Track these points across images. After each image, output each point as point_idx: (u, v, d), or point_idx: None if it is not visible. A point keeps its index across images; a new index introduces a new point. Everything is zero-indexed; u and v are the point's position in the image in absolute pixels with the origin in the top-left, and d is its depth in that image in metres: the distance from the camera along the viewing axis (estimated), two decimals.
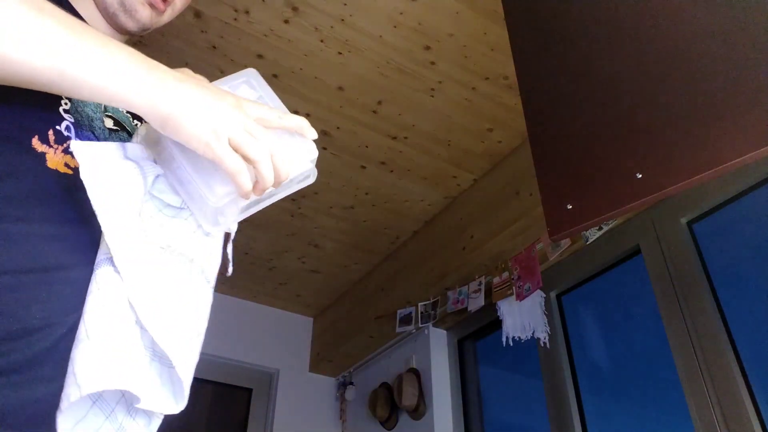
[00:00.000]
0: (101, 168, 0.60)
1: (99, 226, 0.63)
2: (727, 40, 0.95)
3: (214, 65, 2.20)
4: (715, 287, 1.72)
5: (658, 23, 1.06)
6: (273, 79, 2.25)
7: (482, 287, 2.42)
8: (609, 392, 2.06)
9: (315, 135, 0.71)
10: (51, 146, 0.64)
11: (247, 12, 2.02)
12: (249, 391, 3.42)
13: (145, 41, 2.07)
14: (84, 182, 0.59)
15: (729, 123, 0.90)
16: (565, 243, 2.11)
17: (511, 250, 2.36)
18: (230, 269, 0.68)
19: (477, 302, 2.42)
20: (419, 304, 2.79)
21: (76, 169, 0.65)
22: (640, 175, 1.00)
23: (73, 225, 0.64)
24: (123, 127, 0.79)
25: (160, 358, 0.61)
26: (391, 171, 2.70)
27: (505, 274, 2.33)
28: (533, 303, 2.17)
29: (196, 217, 0.67)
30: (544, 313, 2.15)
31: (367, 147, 2.57)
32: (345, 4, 1.99)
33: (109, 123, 0.77)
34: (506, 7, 1.44)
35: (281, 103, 0.73)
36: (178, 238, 0.65)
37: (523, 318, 2.20)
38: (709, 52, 0.97)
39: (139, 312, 0.58)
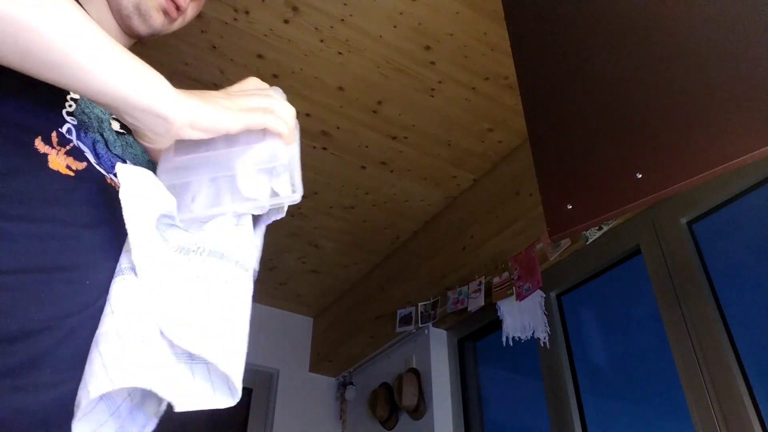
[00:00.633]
0: (139, 188, 0.61)
1: (100, 229, 0.63)
2: (727, 39, 0.95)
3: (214, 65, 2.20)
4: (715, 287, 1.72)
5: (658, 23, 1.06)
6: (273, 79, 2.25)
7: (482, 287, 2.42)
8: (609, 392, 2.06)
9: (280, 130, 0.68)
10: (54, 147, 0.64)
11: (247, 12, 2.02)
12: (249, 390, 3.42)
13: (145, 40, 2.07)
14: (121, 201, 0.59)
15: (729, 123, 0.90)
16: (565, 243, 2.11)
17: (511, 250, 2.36)
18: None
19: (477, 302, 2.42)
20: (419, 304, 2.79)
21: (77, 171, 0.65)
22: (640, 175, 1.00)
23: (73, 227, 0.63)
24: (129, 131, 0.79)
25: (191, 356, 0.61)
26: (391, 171, 2.70)
27: (505, 274, 2.33)
28: (533, 303, 2.17)
29: (230, 198, 0.66)
30: (544, 313, 2.15)
31: (367, 147, 2.57)
32: (345, 4, 1.99)
33: (116, 126, 0.76)
34: (506, 7, 1.44)
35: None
36: (207, 237, 0.65)
37: (523, 318, 2.20)
38: (710, 51, 0.97)
39: (161, 322, 0.59)
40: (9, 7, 0.52)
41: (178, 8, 0.83)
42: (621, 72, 1.10)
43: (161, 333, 0.59)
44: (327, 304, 3.67)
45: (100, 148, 0.72)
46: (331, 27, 2.07)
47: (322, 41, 2.12)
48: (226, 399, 0.62)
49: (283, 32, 2.09)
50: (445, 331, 2.82)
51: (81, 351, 0.59)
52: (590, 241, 2.04)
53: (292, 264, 3.28)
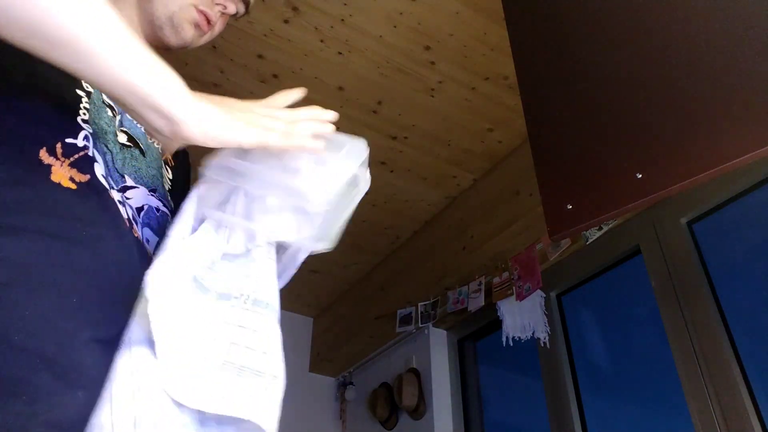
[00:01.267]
0: (167, 298, 0.60)
1: (94, 247, 0.62)
2: (727, 39, 0.95)
3: (214, 65, 2.20)
4: (715, 287, 1.72)
5: (658, 24, 1.06)
6: (273, 79, 2.25)
7: (482, 287, 2.42)
8: (609, 392, 2.06)
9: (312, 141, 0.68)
10: (58, 159, 0.63)
11: None
12: None
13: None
14: (150, 317, 0.58)
15: (729, 123, 0.90)
16: (565, 243, 2.11)
17: (511, 250, 2.36)
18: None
19: (477, 302, 2.42)
20: (419, 304, 2.79)
21: (80, 184, 0.64)
22: (640, 175, 1.00)
23: (65, 242, 0.61)
24: (136, 143, 0.78)
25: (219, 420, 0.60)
26: (391, 171, 2.70)
27: (505, 274, 2.33)
28: (533, 303, 2.17)
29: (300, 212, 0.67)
30: (544, 313, 2.15)
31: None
32: (345, 4, 1.99)
33: (122, 138, 0.76)
34: (506, 7, 1.44)
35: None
36: (249, 282, 0.66)
37: (523, 318, 2.20)
38: (710, 51, 0.97)
39: (174, 395, 0.57)
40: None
41: (209, 22, 0.85)
42: (621, 72, 1.10)
43: (178, 410, 0.57)
44: (327, 304, 3.67)
45: (109, 159, 0.72)
46: (331, 27, 2.07)
47: (322, 41, 2.12)
48: None
49: (283, 32, 2.09)
50: (445, 331, 2.82)
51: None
52: (590, 241, 2.04)
53: None
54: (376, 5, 2.00)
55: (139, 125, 0.81)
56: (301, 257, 0.75)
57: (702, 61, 0.97)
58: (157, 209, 0.78)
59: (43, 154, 0.62)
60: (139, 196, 0.75)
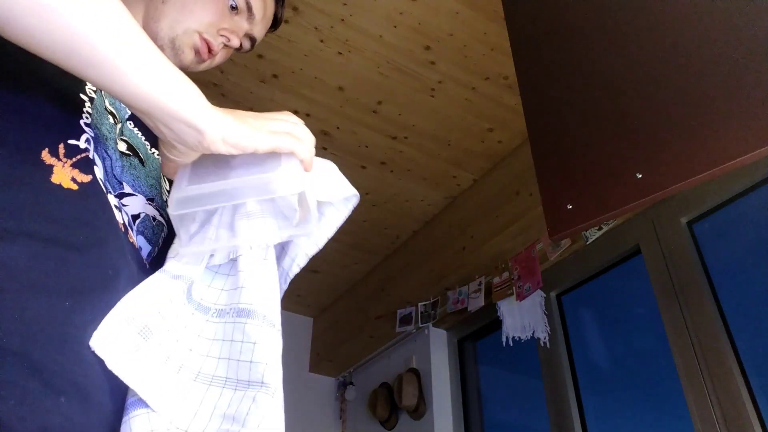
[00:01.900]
0: (123, 354, 0.60)
1: (91, 250, 0.62)
2: (727, 39, 0.95)
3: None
4: (715, 287, 1.72)
5: (658, 23, 1.06)
6: (273, 79, 2.25)
7: (482, 287, 2.43)
8: (609, 392, 2.06)
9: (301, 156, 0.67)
10: (60, 159, 0.63)
11: None
12: None
13: None
14: (116, 373, 0.59)
15: (729, 123, 0.90)
16: (565, 243, 2.11)
17: (511, 250, 2.36)
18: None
19: (477, 302, 2.42)
20: (419, 304, 2.79)
21: (81, 185, 0.64)
22: (640, 175, 1.00)
23: (62, 247, 0.60)
24: (136, 152, 0.78)
25: None
26: (391, 171, 2.70)
27: (505, 274, 2.33)
28: (533, 303, 2.17)
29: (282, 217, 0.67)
30: (544, 313, 2.15)
31: (367, 147, 2.57)
32: (345, 4, 1.99)
33: (122, 147, 0.76)
34: (506, 7, 1.44)
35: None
36: (237, 291, 0.66)
37: (523, 318, 2.20)
38: (710, 51, 0.97)
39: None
40: (56, 2, 0.52)
41: (210, 51, 0.86)
42: (621, 72, 1.10)
43: None
44: (327, 304, 3.67)
45: (108, 165, 0.72)
46: (331, 27, 2.07)
47: (322, 41, 2.12)
48: None
49: (283, 32, 2.09)
50: (445, 331, 2.82)
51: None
52: (590, 241, 2.04)
53: None
54: (376, 5, 2.00)
55: (140, 135, 0.81)
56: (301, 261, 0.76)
57: (702, 61, 0.97)
58: (154, 218, 0.78)
59: (45, 155, 0.62)
60: (136, 204, 0.75)
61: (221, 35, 0.87)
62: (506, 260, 2.36)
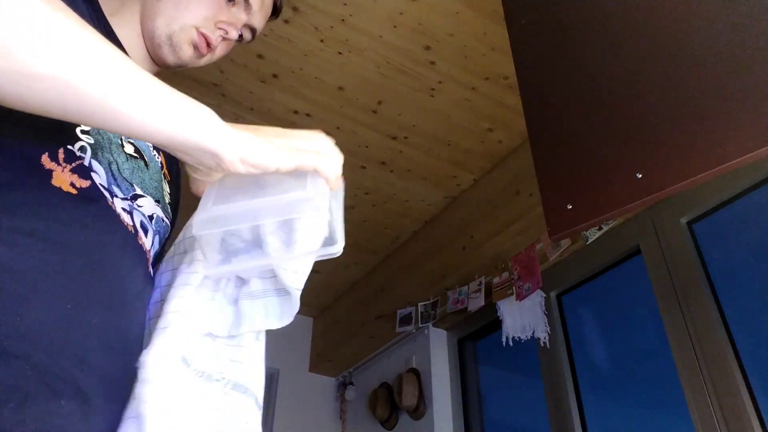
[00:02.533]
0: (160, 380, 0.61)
1: (91, 254, 0.61)
2: (727, 40, 0.95)
3: (214, 65, 2.20)
4: (715, 287, 1.72)
5: (658, 23, 1.06)
6: (273, 79, 2.25)
7: (482, 287, 2.43)
8: (609, 392, 2.06)
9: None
10: (60, 164, 0.63)
11: None
12: None
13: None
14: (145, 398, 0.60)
15: (729, 123, 0.90)
16: (565, 243, 2.11)
17: (511, 250, 2.36)
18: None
19: (477, 302, 2.42)
20: (419, 304, 2.79)
21: (81, 189, 0.64)
22: (640, 175, 1.00)
23: (63, 248, 0.60)
24: (142, 155, 0.78)
25: None
26: (391, 171, 2.70)
27: (505, 274, 2.33)
28: (533, 303, 2.17)
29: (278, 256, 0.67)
30: (544, 313, 2.15)
31: (367, 147, 2.57)
32: (345, 4, 1.99)
33: (129, 149, 0.75)
34: (506, 7, 1.44)
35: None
36: (230, 365, 0.67)
37: (523, 318, 2.20)
38: (710, 51, 0.97)
39: None
40: (52, 68, 0.50)
41: (208, 45, 0.86)
42: (621, 72, 1.10)
43: None
44: (327, 304, 3.67)
45: (114, 169, 0.71)
46: (331, 27, 2.07)
47: (322, 41, 2.12)
48: None
49: (283, 32, 2.09)
50: (445, 331, 2.82)
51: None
52: (590, 241, 2.04)
53: None
54: (376, 5, 2.00)
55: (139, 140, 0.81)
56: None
57: (702, 61, 0.97)
58: (162, 219, 0.78)
59: (45, 160, 0.62)
60: (148, 205, 0.75)
61: (219, 28, 0.86)
62: (506, 260, 2.36)
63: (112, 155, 0.72)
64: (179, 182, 0.94)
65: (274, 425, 3.28)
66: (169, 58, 0.85)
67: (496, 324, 2.32)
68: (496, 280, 2.37)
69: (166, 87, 0.57)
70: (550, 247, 2.16)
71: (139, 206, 0.72)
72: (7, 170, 0.59)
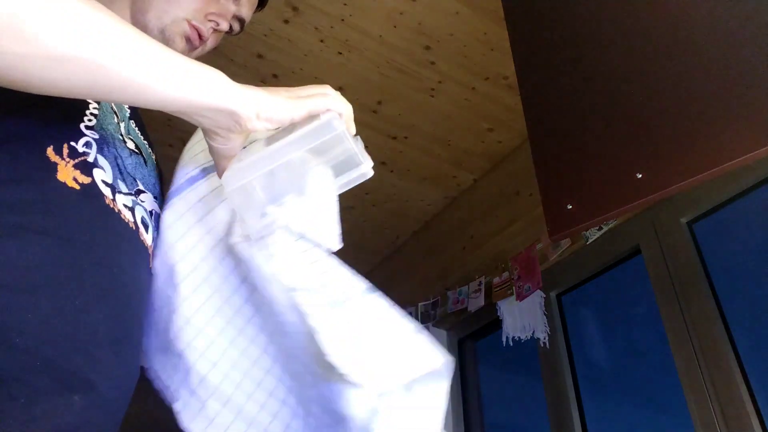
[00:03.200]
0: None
1: (95, 250, 0.61)
2: (727, 40, 0.95)
3: (213, 65, 2.20)
4: (715, 287, 1.72)
5: (658, 23, 1.06)
6: (273, 79, 2.25)
7: (482, 287, 2.42)
8: (609, 392, 2.06)
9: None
10: (63, 159, 0.63)
11: None
12: None
13: None
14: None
15: (729, 123, 0.90)
16: (565, 243, 2.11)
17: (511, 250, 2.36)
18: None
19: (477, 302, 2.42)
20: (419, 304, 2.79)
21: (83, 185, 0.64)
22: (640, 175, 1.00)
23: (69, 243, 0.60)
24: (140, 151, 0.79)
25: None
26: (391, 171, 2.70)
27: (505, 274, 2.33)
28: (533, 303, 2.17)
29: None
30: (544, 313, 2.14)
31: (367, 147, 2.55)
32: (345, 4, 1.99)
33: (130, 145, 0.76)
34: (506, 7, 1.44)
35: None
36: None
37: (523, 318, 2.20)
38: (710, 52, 0.97)
39: None
40: (73, 48, 0.52)
41: (200, 37, 0.86)
42: (621, 72, 1.10)
43: None
44: None
45: (120, 164, 0.72)
46: (331, 27, 2.07)
47: (322, 41, 2.12)
48: None
49: (283, 32, 2.09)
50: (445, 331, 2.82)
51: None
52: (590, 241, 2.04)
53: None
54: (376, 5, 2.00)
55: (140, 135, 0.82)
56: None
57: (702, 61, 0.97)
58: (159, 216, 0.78)
59: (50, 153, 0.63)
60: (149, 201, 0.75)
61: (210, 20, 0.87)
62: (506, 260, 2.36)
63: (116, 150, 0.72)
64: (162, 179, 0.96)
65: None
66: None
67: (496, 324, 2.32)
68: (496, 280, 2.37)
69: (179, 56, 0.59)
70: (550, 247, 2.16)
71: (141, 201, 0.73)
72: (12, 164, 0.59)
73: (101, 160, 0.68)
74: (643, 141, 1.02)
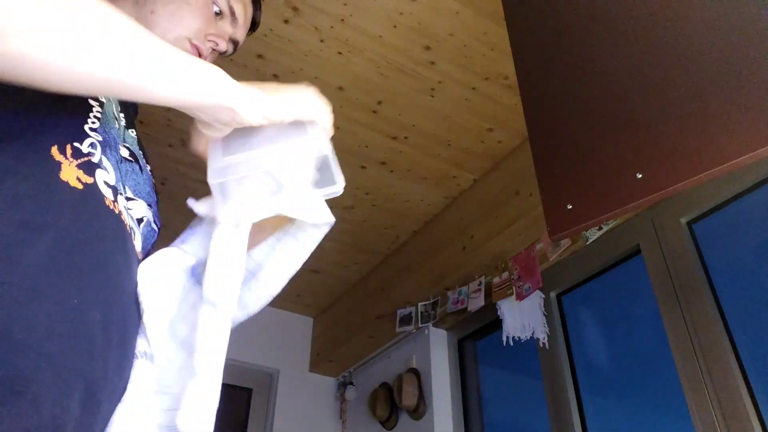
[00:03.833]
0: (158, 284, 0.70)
1: (96, 249, 0.63)
2: (727, 40, 0.95)
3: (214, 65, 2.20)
4: (715, 287, 1.72)
5: (658, 23, 1.06)
6: (273, 79, 2.25)
7: (482, 287, 2.42)
8: (609, 392, 2.06)
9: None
10: (67, 158, 0.64)
11: None
12: (249, 391, 3.42)
13: None
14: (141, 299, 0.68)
15: (729, 123, 0.90)
16: (565, 243, 2.11)
17: (511, 250, 2.36)
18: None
19: (477, 302, 2.42)
20: (419, 304, 2.79)
21: (86, 185, 0.65)
22: (640, 175, 1.00)
23: (70, 242, 0.60)
24: (137, 159, 0.80)
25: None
26: (391, 171, 2.70)
27: (505, 274, 2.33)
28: (533, 303, 2.17)
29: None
30: (544, 314, 2.15)
31: (367, 147, 2.57)
32: (345, 4, 1.99)
33: (124, 152, 0.77)
34: (506, 7, 1.44)
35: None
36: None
37: (523, 318, 2.20)
38: (710, 52, 0.97)
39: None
40: (88, 57, 0.54)
41: (200, 56, 0.89)
42: (621, 72, 1.10)
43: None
44: (327, 304, 3.67)
45: (122, 168, 0.74)
46: (331, 27, 2.07)
47: (322, 41, 2.12)
48: None
49: (283, 32, 2.09)
50: (445, 331, 2.82)
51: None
52: (590, 241, 2.04)
53: None
54: (376, 5, 2.00)
55: (136, 144, 0.84)
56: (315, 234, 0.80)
57: (702, 61, 0.97)
58: (151, 224, 0.80)
59: (54, 152, 0.63)
60: (139, 208, 0.77)
61: (209, 40, 0.90)
62: (506, 260, 2.36)
63: (118, 153, 0.74)
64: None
65: (274, 425, 3.28)
66: None
67: (496, 324, 2.32)
68: (496, 280, 2.37)
69: (185, 55, 0.62)
70: (550, 247, 2.16)
71: (129, 209, 0.74)
72: (19, 160, 0.60)
73: (105, 162, 0.69)
74: (643, 141, 1.02)
